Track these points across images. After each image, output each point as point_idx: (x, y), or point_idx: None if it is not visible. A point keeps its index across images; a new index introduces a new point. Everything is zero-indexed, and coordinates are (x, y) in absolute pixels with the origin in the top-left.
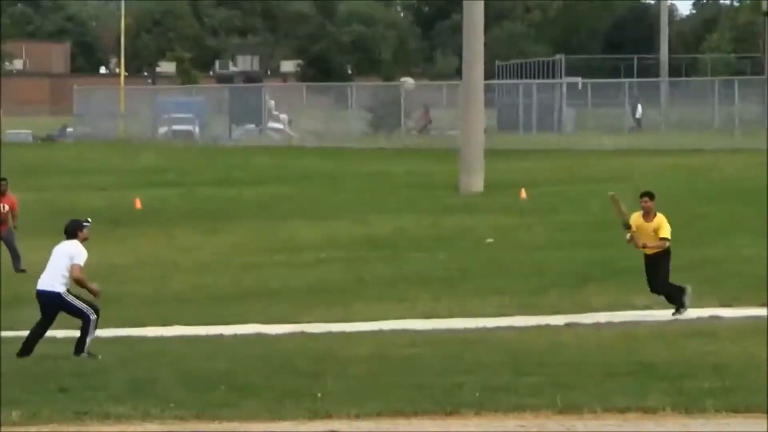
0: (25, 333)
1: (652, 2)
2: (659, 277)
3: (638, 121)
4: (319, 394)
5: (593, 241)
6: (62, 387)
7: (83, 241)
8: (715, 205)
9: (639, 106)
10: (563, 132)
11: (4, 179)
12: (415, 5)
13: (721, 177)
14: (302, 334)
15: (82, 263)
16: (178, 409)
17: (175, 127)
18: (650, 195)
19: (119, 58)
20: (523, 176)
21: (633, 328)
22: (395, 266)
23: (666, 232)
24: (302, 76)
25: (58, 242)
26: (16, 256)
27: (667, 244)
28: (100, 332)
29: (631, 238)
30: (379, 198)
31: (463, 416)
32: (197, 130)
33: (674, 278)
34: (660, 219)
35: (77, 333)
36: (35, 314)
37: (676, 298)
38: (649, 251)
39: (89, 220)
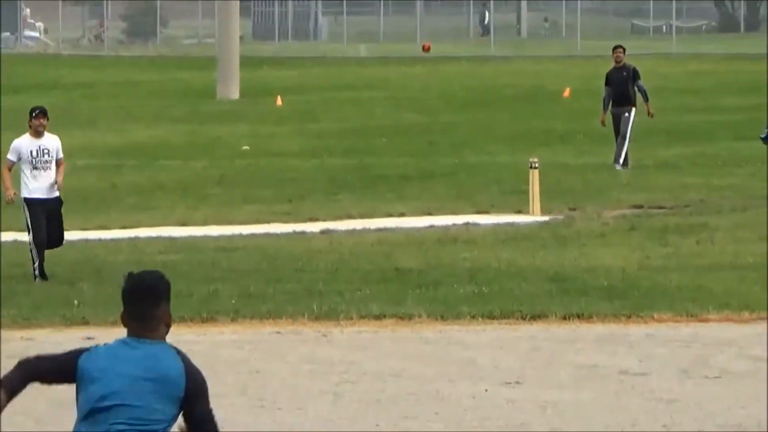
0: None
1: None
2: None
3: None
4: (75, 302)
5: (349, 149)
6: None
7: (36, 131)
8: (470, 112)
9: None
10: (319, 40)
11: None
12: None
13: (477, 85)
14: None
15: (10, 157)
16: None
17: None
18: None
19: None
20: (279, 84)
21: (388, 235)
22: (151, 174)
23: None
24: None
25: None
26: None
27: None
28: None
29: None
30: (134, 106)
31: (219, 323)
32: None
33: (433, 186)
34: None
35: None
36: None
37: None
38: None
39: (41, 108)
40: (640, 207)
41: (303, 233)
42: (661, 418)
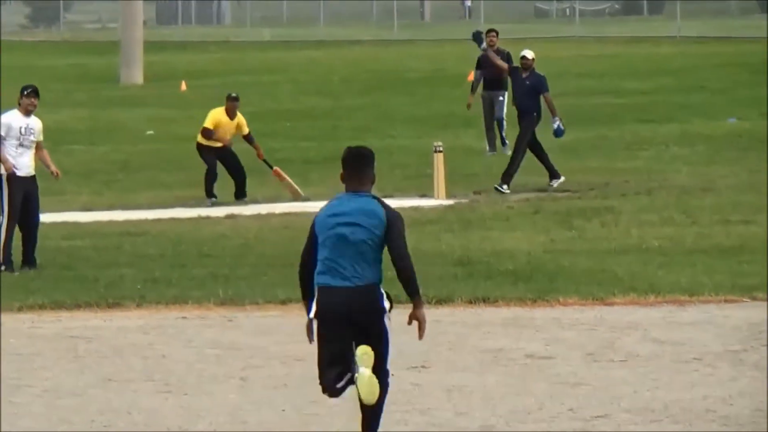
0: None
1: None
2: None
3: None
4: None
5: (253, 133)
6: None
7: (26, 109)
8: (372, 95)
9: None
10: (222, 24)
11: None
12: None
13: (379, 69)
14: None
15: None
16: None
17: None
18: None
19: None
20: (183, 68)
21: (294, 220)
22: (54, 159)
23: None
24: None
25: None
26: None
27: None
28: None
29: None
30: None
31: (125, 308)
32: None
33: (337, 170)
34: (240, 117)
35: None
36: None
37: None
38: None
39: (34, 86)
40: (544, 191)
41: (208, 218)
42: (567, 401)
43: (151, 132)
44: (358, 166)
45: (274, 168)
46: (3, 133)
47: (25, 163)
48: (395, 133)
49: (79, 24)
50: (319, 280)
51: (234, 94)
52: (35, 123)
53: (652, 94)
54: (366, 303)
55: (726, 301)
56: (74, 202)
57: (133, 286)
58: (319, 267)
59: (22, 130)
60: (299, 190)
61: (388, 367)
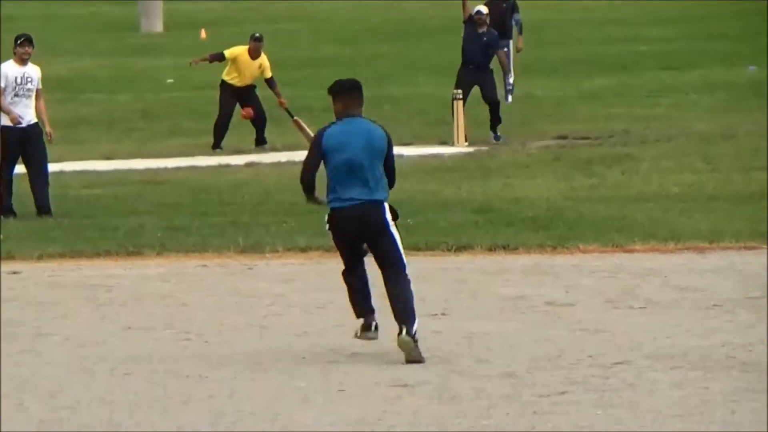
0: None
1: None
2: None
3: None
4: (0, 236)
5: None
6: None
7: (20, 58)
8: (393, 43)
9: None
10: None
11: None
12: None
13: (400, 16)
14: None
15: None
16: None
17: None
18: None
19: None
20: (203, 16)
21: None
22: (75, 108)
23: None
24: None
25: None
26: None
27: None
28: None
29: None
30: (57, 39)
31: (145, 256)
32: None
33: None
34: (264, 58)
35: None
36: None
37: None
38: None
39: (27, 35)
40: (565, 138)
41: (228, 166)
42: (587, 348)
43: (171, 80)
44: (358, 94)
45: (295, 118)
46: (3, 84)
47: (23, 113)
48: (416, 80)
49: None
50: (332, 202)
51: (257, 34)
52: (33, 71)
53: (674, 42)
54: (374, 215)
55: (746, 248)
56: (94, 151)
57: (154, 234)
58: (331, 189)
59: (18, 80)
60: None
61: (405, 262)
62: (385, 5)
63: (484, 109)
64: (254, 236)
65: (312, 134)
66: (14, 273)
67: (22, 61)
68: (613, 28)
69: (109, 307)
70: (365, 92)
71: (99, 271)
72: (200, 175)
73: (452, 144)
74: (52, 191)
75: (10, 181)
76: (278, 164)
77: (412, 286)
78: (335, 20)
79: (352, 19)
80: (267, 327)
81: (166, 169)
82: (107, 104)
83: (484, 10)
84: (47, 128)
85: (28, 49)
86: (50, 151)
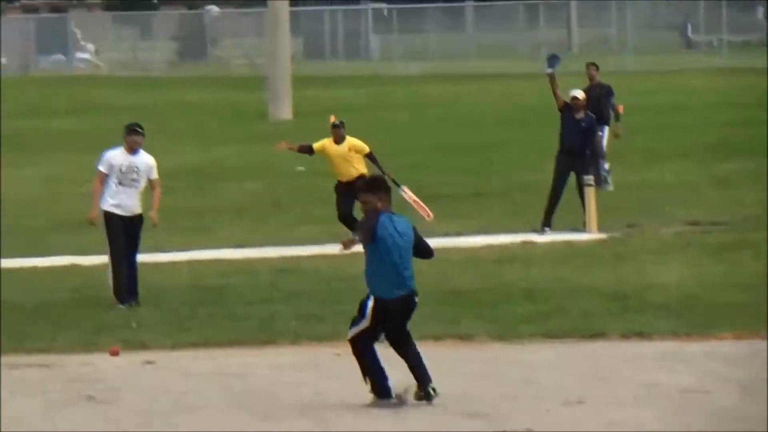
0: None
1: None
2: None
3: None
4: (134, 324)
5: (402, 167)
6: None
7: (130, 147)
8: (523, 130)
9: None
10: (370, 58)
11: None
12: None
13: (527, 103)
14: None
15: (101, 168)
16: None
17: None
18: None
19: None
20: (331, 103)
21: (445, 255)
22: (206, 196)
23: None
24: (107, 5)
25: None
26: None
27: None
28: None
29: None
30: (187, 127)
31: (279, 345)
32: (4, 61)
33: (487, 204)
34: (351, 140)
35: None
36: None
37: None
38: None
39: (137, 124)
40: (696, 224)
41: (360, 254)
42: None
43: (301, 168)
44: (388, 191)
45: (402, 187)
46: (105, 170)
47: (125, 202)
48: (545, 167)
49: (226, 59)
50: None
51: (337, 121)
52: (142, 161)
53: None
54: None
55: None
56: (226, 239)
57: (287, 323)
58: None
59: (123, 168)
60: (427, 209)
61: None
62: (511, 92)
63: (615, 195)
64: None
65: (421, 203)
66: (148, 363)
67: (132, 150)
68: (747, 111)
69: (243, 396)
70: (496, 179)
71: (233, 360)
72: (332, 262)
73: (584, 230)
74: (186, 280)
75: (132, 265)
76: None
77: (549, 373)
78: (463, 106)
79: (480, 106)
80: (400, 412)
81: (298, 257)
82: (238, 192)
83: (580, 95)
84: (152, 212)
85: (137, 138)
86: (183, 238)
